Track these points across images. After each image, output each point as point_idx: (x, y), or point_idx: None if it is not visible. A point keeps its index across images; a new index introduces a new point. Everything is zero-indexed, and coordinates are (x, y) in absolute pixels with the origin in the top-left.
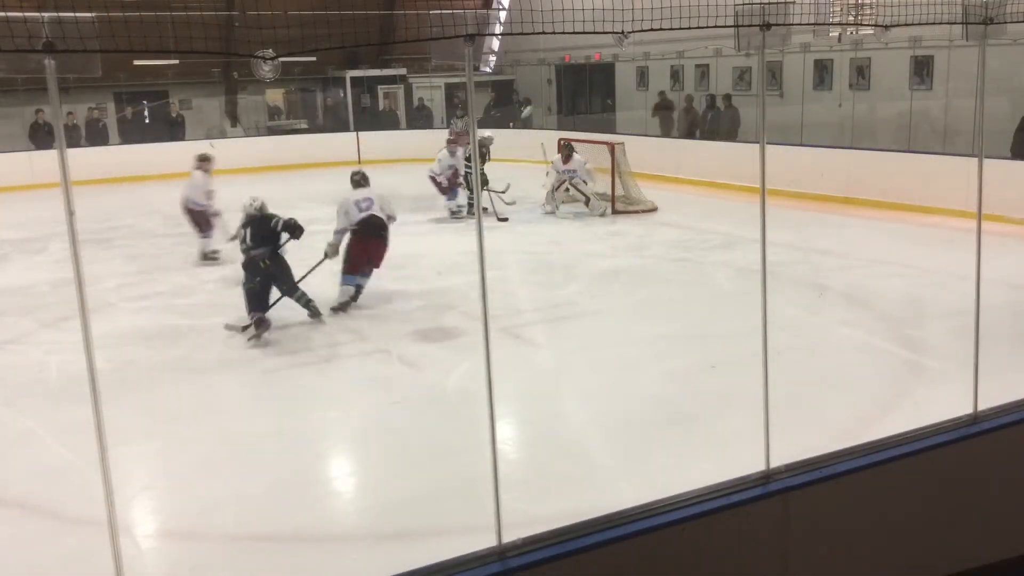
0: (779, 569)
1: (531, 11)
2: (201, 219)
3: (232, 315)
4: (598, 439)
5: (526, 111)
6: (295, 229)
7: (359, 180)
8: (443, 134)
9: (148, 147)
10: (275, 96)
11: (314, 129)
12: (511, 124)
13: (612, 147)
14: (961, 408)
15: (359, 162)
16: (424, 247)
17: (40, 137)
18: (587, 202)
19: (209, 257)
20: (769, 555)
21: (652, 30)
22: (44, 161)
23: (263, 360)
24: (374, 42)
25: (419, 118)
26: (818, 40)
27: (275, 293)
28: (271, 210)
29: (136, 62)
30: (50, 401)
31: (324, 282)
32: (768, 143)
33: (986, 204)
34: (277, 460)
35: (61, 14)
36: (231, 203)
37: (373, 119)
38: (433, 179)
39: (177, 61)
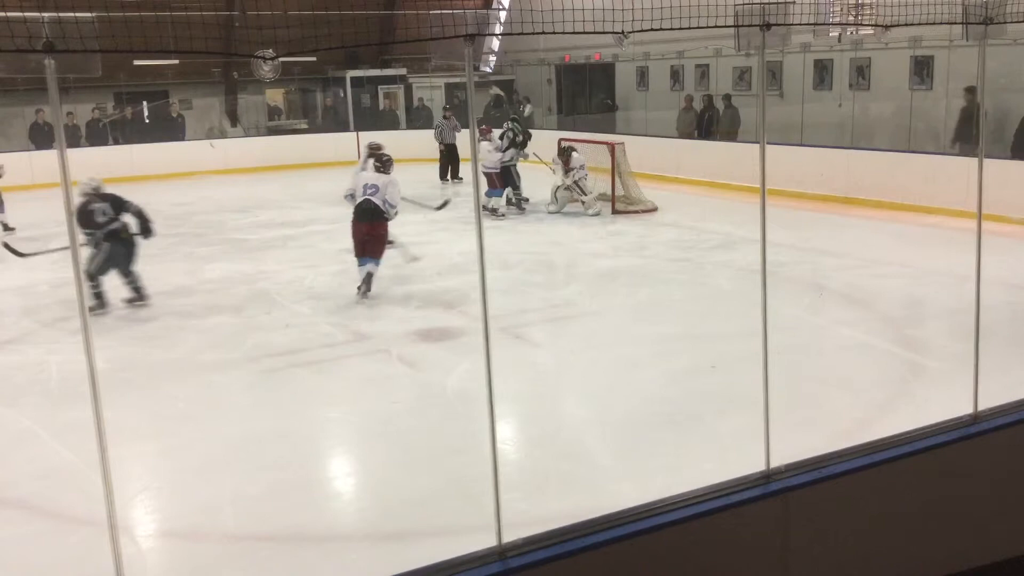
0: (779, 569)
1: (531, 11)
2: None
3: (233, 315)
4: (598, 439)
5: (527, 110)
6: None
7: (377, 166)
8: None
9: (148, 147)
10: (275, 96)
11: (314, 129)
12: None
13: (612, 147)
14: (961, 408)
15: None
16: (424, 247)
17: (40, 137)
18: (583, 201)
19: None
20: (769, 555)
21: (652, 30)
22: (44, 161)
23: (263, 360)
24: (374, 42)
25: (419, 118)
26: (818, 40)
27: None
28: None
29: (136, 62)
30: (50, 401)
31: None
32: (768, 143)
33: (986, 204)
34: (277, 460)
35: (61, 14)
36: (226, 204)
37: (373, 119)
38: (487, 174)
39: (177, 61)
